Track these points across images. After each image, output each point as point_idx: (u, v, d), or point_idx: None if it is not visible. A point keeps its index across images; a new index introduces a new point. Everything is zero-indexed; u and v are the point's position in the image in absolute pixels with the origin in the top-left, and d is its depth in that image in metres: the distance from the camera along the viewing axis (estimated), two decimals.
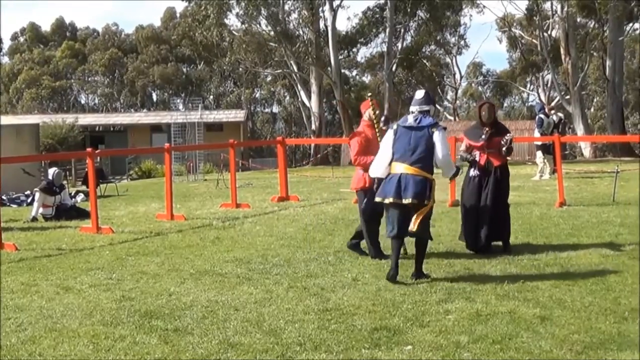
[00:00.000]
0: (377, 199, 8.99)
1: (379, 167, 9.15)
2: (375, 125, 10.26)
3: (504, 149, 10.64)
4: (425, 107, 8.97)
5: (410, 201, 8.59)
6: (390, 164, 8.92)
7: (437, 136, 8.75)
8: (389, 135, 9.06)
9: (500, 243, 10.77)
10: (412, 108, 9.03)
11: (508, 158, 10.96)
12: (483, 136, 10.73)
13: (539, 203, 15.80)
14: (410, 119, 8.93)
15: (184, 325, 7.15)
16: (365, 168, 9.89)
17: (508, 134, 10.72)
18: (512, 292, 8.11)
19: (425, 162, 8.73)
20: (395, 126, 9.06)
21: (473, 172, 10.80)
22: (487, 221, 10.56)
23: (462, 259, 9.98)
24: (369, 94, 10.79)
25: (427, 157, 8.75)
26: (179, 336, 6.82)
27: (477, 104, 11.41)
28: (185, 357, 6.30)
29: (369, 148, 10.06)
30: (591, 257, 9.94)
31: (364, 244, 10.58)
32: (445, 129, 8.95)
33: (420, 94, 9.20)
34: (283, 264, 10.05)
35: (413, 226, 8.66)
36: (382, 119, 11.07)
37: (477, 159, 10.81)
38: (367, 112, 10.40)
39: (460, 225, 11.10)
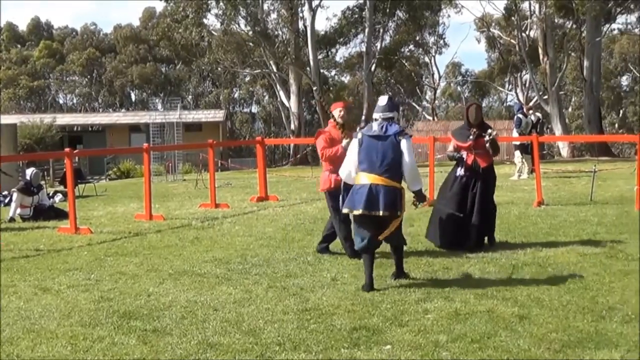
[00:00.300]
0: (345, 210, 8.74)
1: (348, 169, 8.85)
2: (339, 127, 10.37)
3: (487, 145, 10.80)
4: (390, 114, 8.68)
5: (382, 213, 8.32)
6: (356, 173, 8.64)
7: (404, 145, 8.49)
8: (354, 144, 8.76)
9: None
10: (376, 115, 8.75)
11: (495, 158, 11.14)
12: (470, 137, 10.87)
13: (518, 202, 15.88)
14: (375, 127, 8.65)
15: (163, 326, 7.13)
16: (333, 164, 10.03)
17: (489, 129, 10.88)
18: (490, 291, 8.14)
19: (395, 171, 8.46)
20: (359, 135, 8.73)
21: (460, 172, 10.94)
22: (478, 220, 10.73)
23: (441, 259, 10.01)
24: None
25: (396, 166, 8.47)
26: (158, 337, 6.80)
27: (465, 105, 11.59)
28: (164, 357, 6.28)
29: (334, 146, 10.22)
30: (569, 256, 10.00)
31: (333, 245, 10.69)
32: (411, 136, 8.78)
33: (383, 100, 8.86)
34: (262, 264, 10.05)
35: (382, 237, 8.54)
36: (363, 118, 11.18)
37: (464, 158, 10.94)
38: (333, 113, 10.54)
39: (431, 223, 11.18)
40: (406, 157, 8.49)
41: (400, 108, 8.97)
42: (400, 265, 8.93)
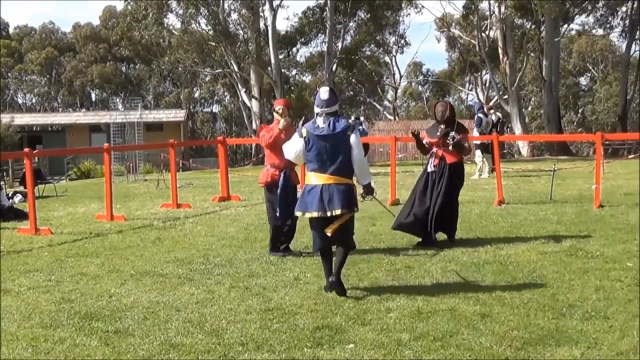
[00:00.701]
0: (297, 213, 8.40)
1: (294, 149, 8.49)
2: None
3: (449, 147, 11.12)
4: (334, 108, 8.26)
5: (340, 212, 8.02)
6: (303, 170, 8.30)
7: (353, 139, 8.14)
8: (298, 141, 8.38)
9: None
10: (319, 110, 8.24)
11: (465, 157, 11.71)
12: (438, 133, 11.26)
13: (478, 201, 16.00)
14: (320, 124, 8.20)
15: (125, 327, 7.09)
16: (275, 152, 10.38)
17: (451, 133, 11.14)
18: (452, 290, 8.19)
19: (347, 168, 8.17)
20: (304, 132, 8.28)
21: (430, 168, 11.30)
22: (438, 214, 11.06)
23: (403, 257, 10.05)
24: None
25: (347, 162, 8.16)
26: (120, 338, 6.76)
27: (433, 103, 12.18)
28: (127, 358, 6.24)
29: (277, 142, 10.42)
30: (529, 254, 10.09)
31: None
32: (360, 127, 8.58)
33: (325, 93, 8.31)
34: (225, 264, 10.02)
35: (330, 231, 8.13)
36: None
37: (434, 154, 11.30)
38: (275, 109, 10.93)
39: (402, 215, 11.35)
40: (355, 152, 8.16)
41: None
42: (340, 269, 8.27)
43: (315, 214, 8.11)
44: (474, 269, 9.27)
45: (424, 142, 11.48)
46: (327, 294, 8.15)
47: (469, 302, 7.66)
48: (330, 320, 7.13)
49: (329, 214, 8.06)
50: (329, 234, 8.17)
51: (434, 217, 11.01)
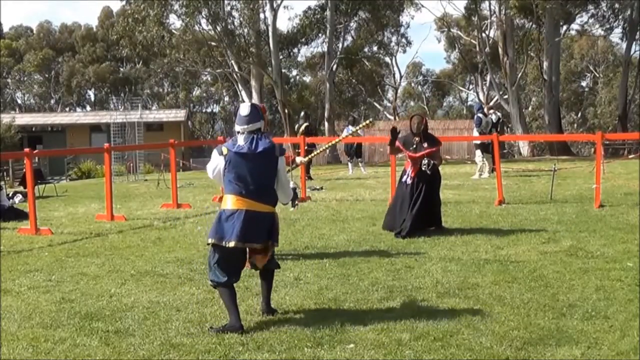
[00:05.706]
0: (211, 240, 7.25)
1: (211, 167, 7.54)
2: None
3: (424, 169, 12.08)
4: (257, 125, 7.28)
5: (258, 246, 7.25)
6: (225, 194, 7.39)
7: (281, 163, 7.39)
8: (218, 159, 7.38)
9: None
10: (239, 128, 7.30)
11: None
12: (414, 146, 12.18)
13: (479, 201, 16.00)
14: (241, 142, 7.24)
15: (125, 327, 7.09)
16: None
17: (425, 159, 12.03)
18: (452, 290, 8.20)
19: (272, 194, 7.34)
20: (224, 150, 7.28)
21: (405, 178, 12.27)
22: (421, 213, 11.94)
23: (403, 257, 10.05)
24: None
25: (271, 187, 7.34)
26: (120, 338, 6.76)
27: (409, 116, 13.23)
28: (127, 358, 6.25)
29: None
30: (530, 254, 10.09)
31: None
32: (285, 151, 7.63)
33: (245, 109, 7.36)
34: None
35: (260, 263, 7.44)
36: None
37: (409, 170, 12.26)
38: None
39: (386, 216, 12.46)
40: (282, 177, 7.43)
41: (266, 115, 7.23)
42: (269, 296, 7.65)
43: (232, 243, 7.08)
44: (474, 269, 9.28)
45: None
46: (328, 294, 8.15)
47: (469, 302, 7.67)
48: (331, 320, 7.12)
49: (248, 245, 7.21)
50: (259, 267, 7.49)
51: (420, 215, 11.92)
